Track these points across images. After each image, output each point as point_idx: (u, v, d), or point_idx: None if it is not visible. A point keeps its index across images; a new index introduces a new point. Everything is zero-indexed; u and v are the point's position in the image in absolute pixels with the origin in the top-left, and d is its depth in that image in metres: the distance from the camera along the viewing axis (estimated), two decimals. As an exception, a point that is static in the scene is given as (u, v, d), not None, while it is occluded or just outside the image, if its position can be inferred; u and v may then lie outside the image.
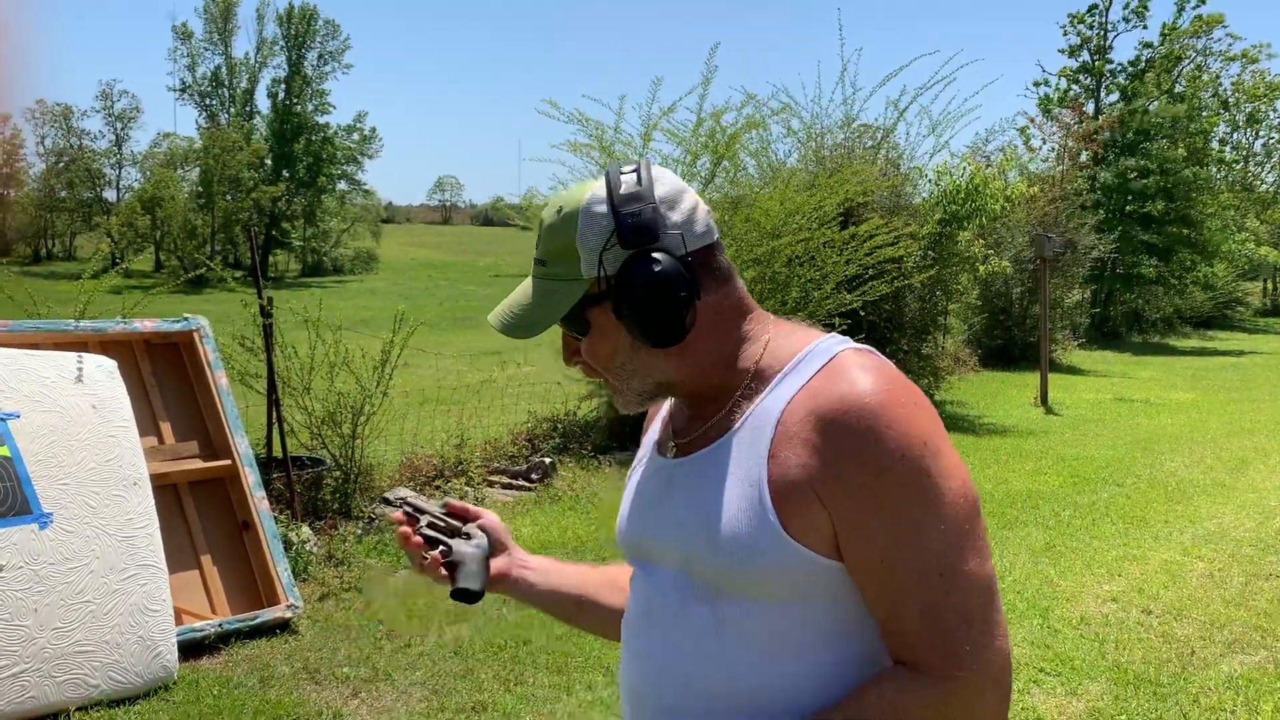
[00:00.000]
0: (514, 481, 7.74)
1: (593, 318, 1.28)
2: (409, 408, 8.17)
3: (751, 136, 11.37)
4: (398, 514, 1.59)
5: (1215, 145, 34.15)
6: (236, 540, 5.15)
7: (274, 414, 6.20)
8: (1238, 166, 39.59)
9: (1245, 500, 7.95)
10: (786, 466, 1.17)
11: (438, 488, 7.14)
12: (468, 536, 1.55)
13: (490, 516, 1.60)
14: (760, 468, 1.19)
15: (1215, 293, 29.31)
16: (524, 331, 1.30)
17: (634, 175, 1.26)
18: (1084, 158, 24.12)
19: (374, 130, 58.92)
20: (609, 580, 1.58)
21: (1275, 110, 40.70)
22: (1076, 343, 20.47)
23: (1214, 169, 32.12)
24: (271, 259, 51.07)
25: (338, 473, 6.61)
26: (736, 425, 1.25)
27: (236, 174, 49.34)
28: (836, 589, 1.19)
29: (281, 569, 4.99)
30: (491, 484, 7.65)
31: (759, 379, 1.26)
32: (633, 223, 1.23)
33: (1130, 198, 25.55)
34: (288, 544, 5.51)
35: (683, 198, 1.28)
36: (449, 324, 24.94)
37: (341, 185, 57.97)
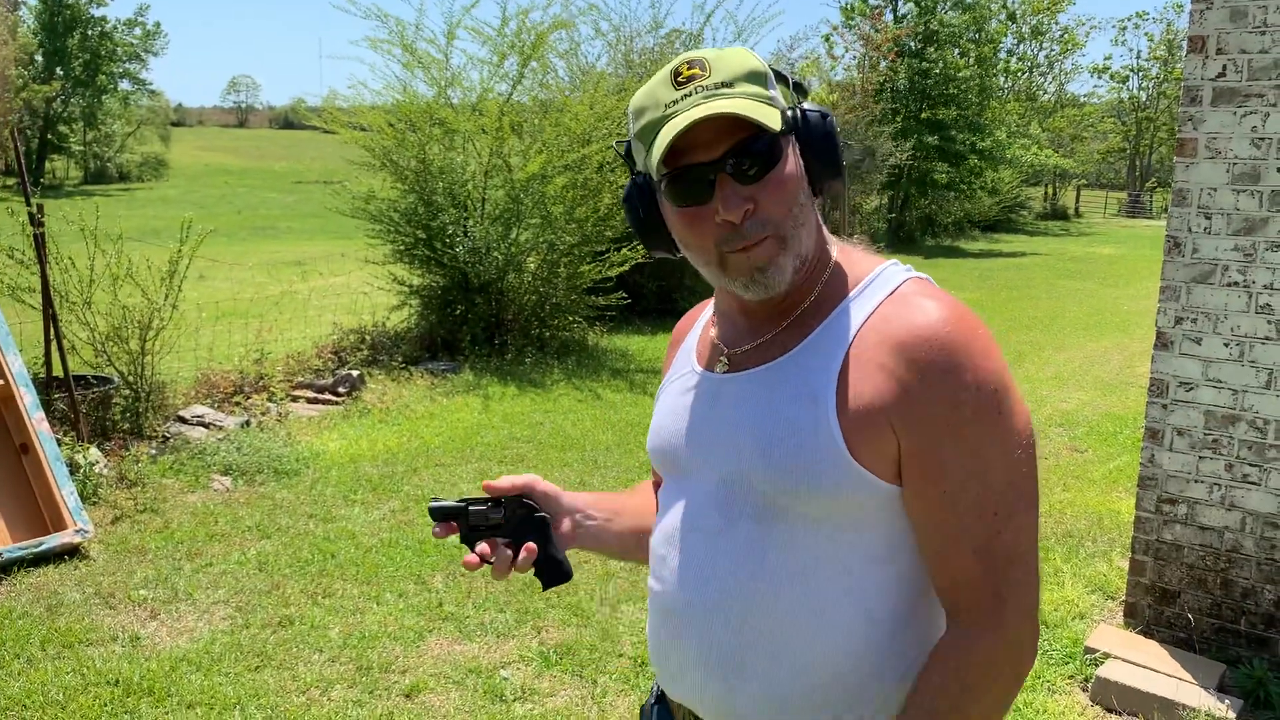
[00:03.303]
0: (319, 395, 7.53)
1: (784, 147, 1.18)
2: (204, 322, 7.81)
3: (561, 37, 11.20)
4: (437, 529, 1.37)
5: (1003, 56, 35.83)
6: (15, 465, 4.84)
7: (51, 330, 5.81)
8: (1022, 77, 41.75)
9: (1020, 390, 8.55)
10: (860, 392, 1.15)
11: (237, 403, 6.88)
12: (510, 519, 1.37)
13: (527, 479, 1.41)
14: (828, 390, 1.16)
15: (1001, 197, 31.07)
16: (761, 119, 1.12)
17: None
18: (883, 66, 24.89)
19: (158, 25, 54.75)
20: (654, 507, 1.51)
21: (1057, 24, 43.02)
22: (875, 248, 21.34)
23: (1001, 78, 33.77)
24: (49, 165, 47.16)
25: (127, 391, 6.27)
26: (800, 343, 1.21)
27: (2, 71, 45.00)
28: (885, 514, 1.18)
29: (67, 492, 4.73)
30: (295, 399, 7.43)
31: (825, 298, 1.23)
32: (795, 80, 1.23)
33: (924, 103, 26.64)
34: (74, 467, 5.23)
35: None
36: (248, 233, 23.81)
37: (124, 85, 53.82)
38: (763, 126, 1.12)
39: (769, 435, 1.19)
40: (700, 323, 1.43)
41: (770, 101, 1.17)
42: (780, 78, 1.23)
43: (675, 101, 1.16)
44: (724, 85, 1.16)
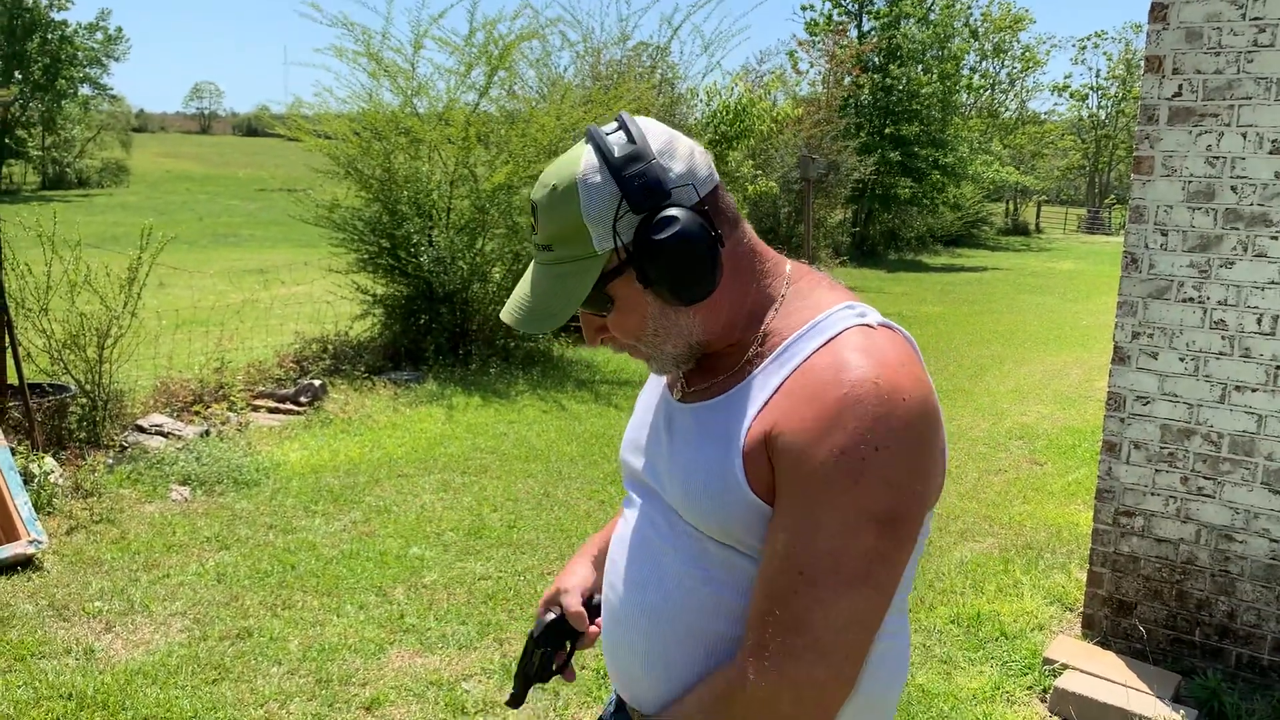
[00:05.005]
0: (281, 405, 7.46)
1: (615, 291, 1.21)
2: (163, 330, 7.72)
3: (532, 46, 11.20)
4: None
5: (965, 73, 36.25)
6: (-33, 474, 4.76)
7: (6, 337, 5.71)
8: (984, 94, 42.28)
9: (981, 404, 8.67)
10: (763, 428, 1.16)
11: (197, 413, 6.80)
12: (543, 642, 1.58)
13: (552, 597, 1.57)
14: (740, 434, 1.18)
15: (963, 213, 31.38)
16: (548, 322, 1.22)
17: (621, 133, 1.19)
18: (847, 81, 25.12)
19: (120, 30, 54.13)
20: None
21: (1018, 42, 43.63)
22: (838, 261, 21.53)
23: (964, 95, 34.17)
24: (5, 170, 46.47)
25: (84, 400, 6.18)
26: (735, 387, 1.23)
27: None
28: None
29: (21, 503, 4.66)
30: (256, 408, 7.35)
31: (767, 343, 1.23)
32: (640, 184, 1.16)
33: (888, 119, 26.91)
34: (29, 476, 5.14)
35: (677, 144, 1.20)
36: (210, 241, 23.58)
37: (85, 90, 53.16)
38: (542, 329, 1.23)
39: (690, 474, 1.22)
40: None
41: (587, 255, 1.19)
42: (626, 179, 1.17)
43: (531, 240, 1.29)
44: (545, 248, 1.23)
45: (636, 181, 1.16)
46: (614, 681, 1.40)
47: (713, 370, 1.28)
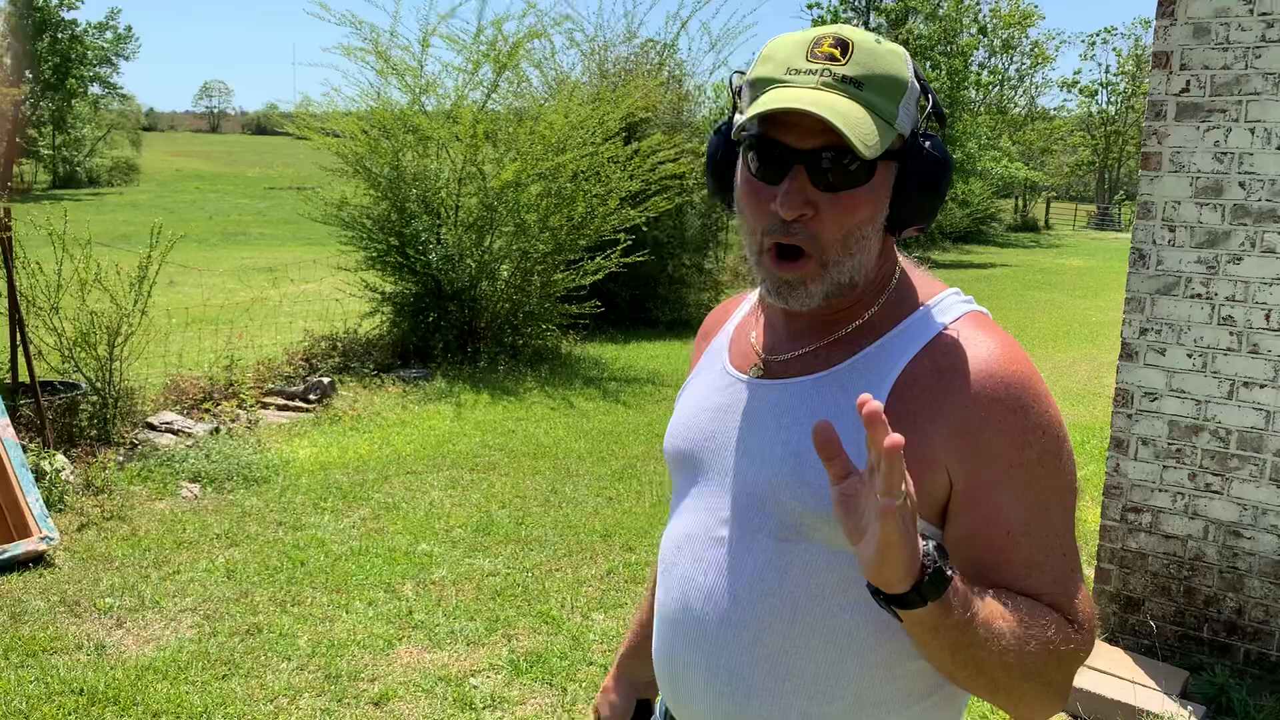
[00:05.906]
0: (290, 403, 7.49)
1: (877, 172, 1.11)
2: (174, 328, 7.76)
3: (537, 46, 11.23)
4: None
5: (974, 69, 36.19)
6: (-21, 472, 4.78)
7: (18, 335, 5.74)
8: (993, 90, 42.19)
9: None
10: (910, 423, 1.08)
11: (207, 410, 6.84)
12: None
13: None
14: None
15: (972, 209, 31.31)
16: (855, 131, 1.05)
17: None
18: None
19: (129, 29, 54.49)
20: None
21: (1027, 38, 43.54)
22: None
23: (972, 91, 34.11)
24: (16, 169, 46.68)
25: (95, 397, 6.22)
26: (847, 360, 1.16)
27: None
28: None
29: (32, 499, 4.68)
30: (266, 406, 7.38)
31: (881, 317, 1.17)
32: (937, 104, 1.14)
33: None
34: (40, 473, 5.17)
35: None
36: (219, 239, 23.66)
37: (95, 89, 53.45)
38: (852, 148, 1.05)
39: (805, 453, 1.12)
40: (734, 319, 1.36)
41: (890, 119, 1.09)
42: (925, 98, 1.15)
43: (798, 72, 1.09)
44: (851, 81, 1.08)
45: (937, 100, 1.16)
46: (665, 694, 1.29)
47: (803, 339, 1.21)
